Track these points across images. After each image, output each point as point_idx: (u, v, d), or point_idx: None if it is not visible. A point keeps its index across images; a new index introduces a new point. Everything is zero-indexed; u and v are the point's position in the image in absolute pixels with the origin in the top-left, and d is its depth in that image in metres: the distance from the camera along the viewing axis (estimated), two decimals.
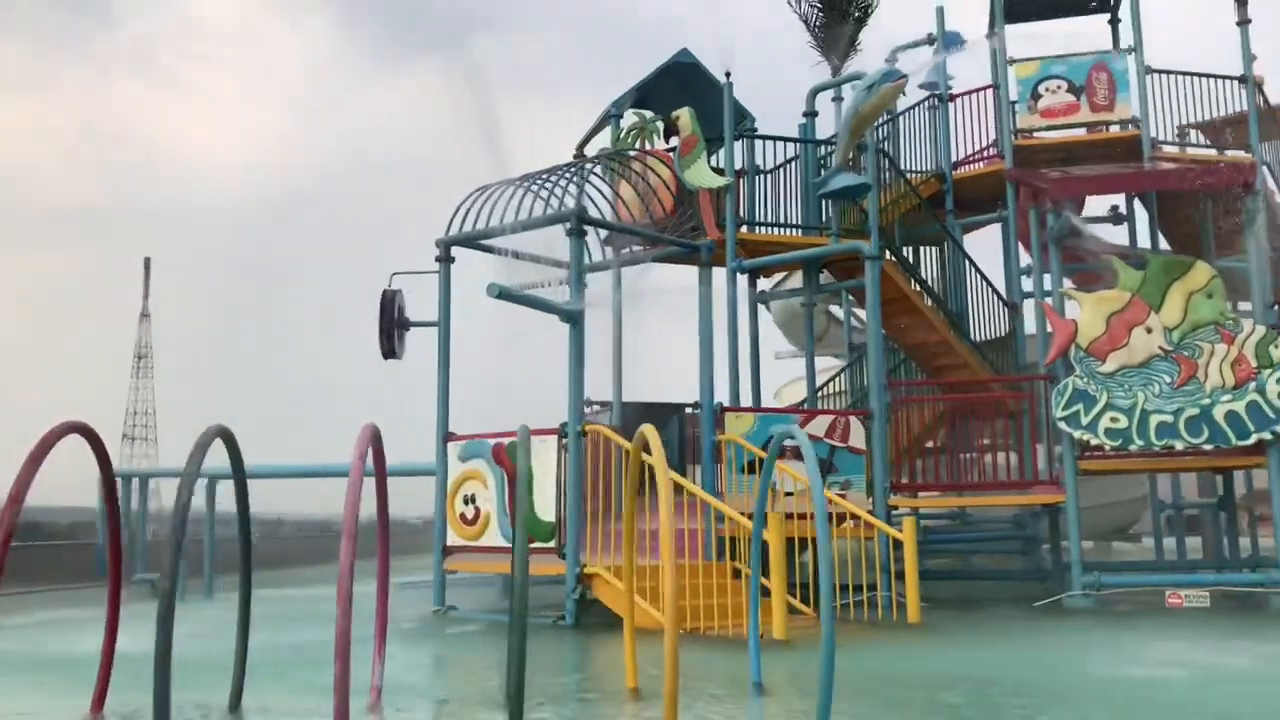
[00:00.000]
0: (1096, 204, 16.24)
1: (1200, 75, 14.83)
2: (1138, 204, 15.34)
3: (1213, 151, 14.84)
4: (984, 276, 13.85)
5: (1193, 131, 14.64)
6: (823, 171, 12.15)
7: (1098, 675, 5.87)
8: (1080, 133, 14.57)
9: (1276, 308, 10.54)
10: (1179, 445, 9.59)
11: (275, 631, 7.45)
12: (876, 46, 16.30)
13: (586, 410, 13.72)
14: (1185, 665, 6.30)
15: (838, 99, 14.90)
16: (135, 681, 4.21)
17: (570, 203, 9.13)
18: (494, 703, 5.00)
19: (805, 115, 13.00)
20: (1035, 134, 14.71)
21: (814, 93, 13.23)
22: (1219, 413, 9.51)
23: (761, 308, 15.29)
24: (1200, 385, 9.59)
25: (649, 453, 4.36)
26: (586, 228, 9.10)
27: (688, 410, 13.79)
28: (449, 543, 9.56)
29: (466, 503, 9.40)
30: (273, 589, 12.98)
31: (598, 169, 10.19)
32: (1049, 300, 10.27)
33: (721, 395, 12.21)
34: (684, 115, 11.92)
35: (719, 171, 11.71)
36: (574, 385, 8.87)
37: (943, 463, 11.33)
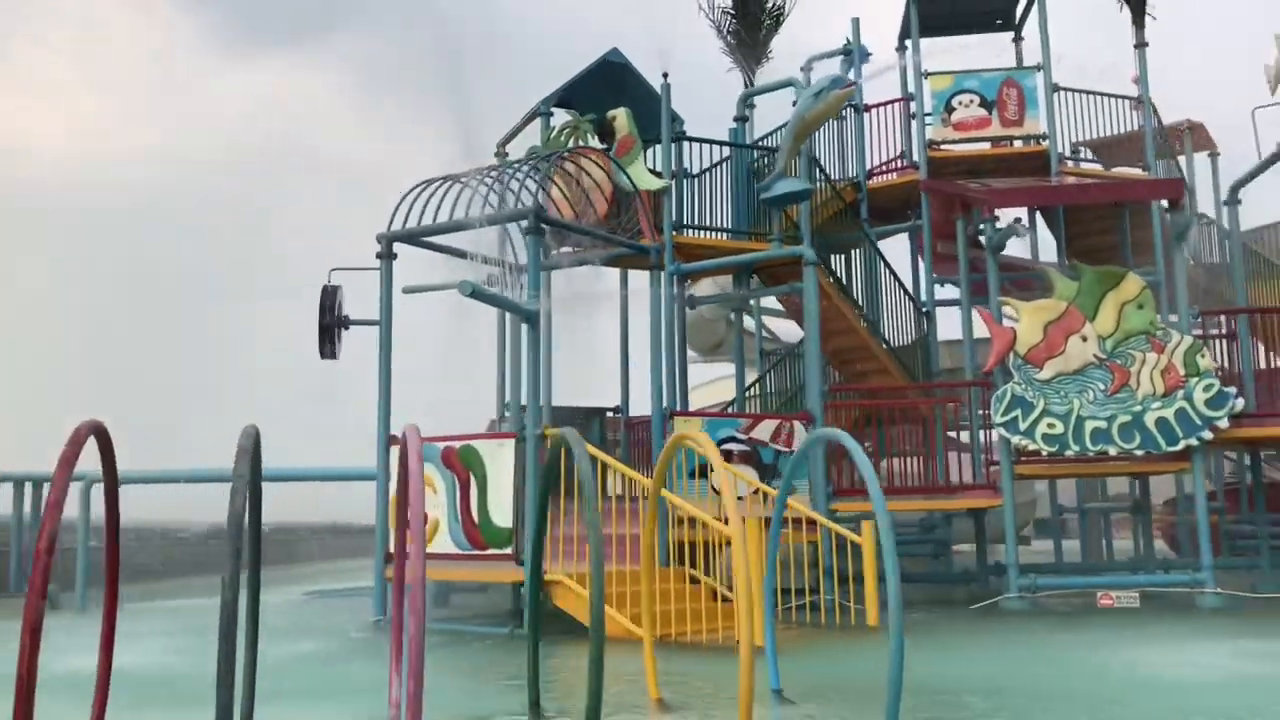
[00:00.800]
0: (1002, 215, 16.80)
1: (1102, 95, 15.48)
2: (1040, 217, 15.90)
3: (1121, 168, 15.51)
4: (900, 283, 14.13)
5: (1082, 149, 15.24)
6: (756, 177, 12.20)
7: (1113, 680, 5.94)
8: (989, 146, 15.02)
9: (1194, 318, 10.97)
10: (1112, 451, 9.89)
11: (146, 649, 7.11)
12: (788, 54, 16.36)
13: (508, 415, 13.54)
14: (1197, 665, 6.45)
15: (751, 105, 14.99)
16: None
17: (528, 200, 8.89)
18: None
19: (736, 120, 13.02)
20: (945, 146, 15.06)
21: (745, 98, 13.26)
22: (1150, 419, 9.85)
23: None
24: (1132, 393, 9.92)
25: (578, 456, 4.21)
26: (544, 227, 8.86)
27: (608, 414, 13.70)
28: (393, 549, 9.17)
29: None
30: (164, 600, 12.37)
31: (542, 167, 9.92)
32: (987, 308, 10.47)
33: (640, 400, 12.20)
34: (621, 116, 11.79)
35: (655, 174, 11.62)
36: (532, 387, 8.63)
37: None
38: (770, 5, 17.52)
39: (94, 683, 3.79)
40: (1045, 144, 14.61)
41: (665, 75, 11.96)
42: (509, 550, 8.48)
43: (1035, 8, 15.27)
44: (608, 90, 13.07)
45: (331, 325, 9.71)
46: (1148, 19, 15.00)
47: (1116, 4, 15.28)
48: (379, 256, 9.51)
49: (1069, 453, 9.95)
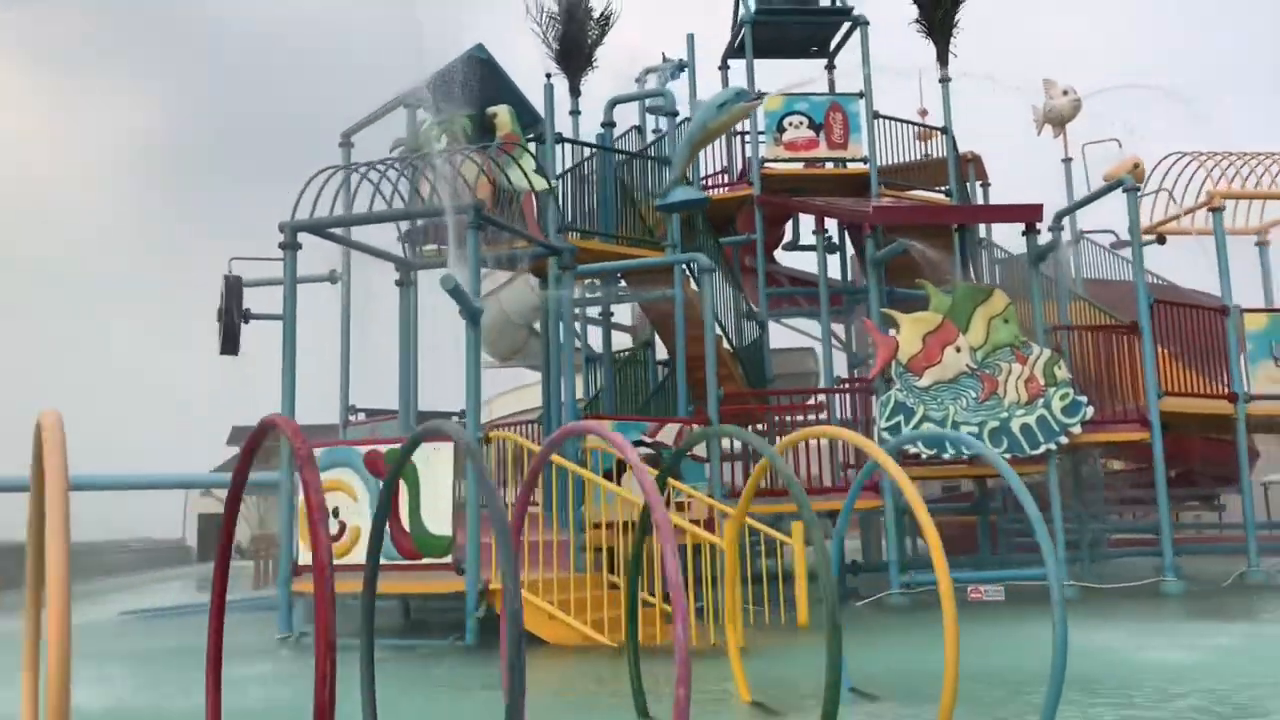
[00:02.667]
0: (808, 234, 17.66)
1: (912, 124, 16.60)
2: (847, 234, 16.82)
3: (917, 191, 16.65)
4: (742, 293, 14.56)
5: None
6: (623, 180, 12.28)
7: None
8: (817, 165, 15.73)
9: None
10: (947, 455, 10.65)
11: None
12: (615, 64, 16.56)
13: (352, 419, 12.92)
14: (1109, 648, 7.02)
15: (575, 112, 15.02)
16: None
17: (465, 196, 8.56)
18: None
19: (604, 125, 13.02)
20: (773, 164, 15.66)
21: (612, 104, 13.29)
22: (1015, 425, 10.66)
23: None
24: (1000, 400, 10.70)
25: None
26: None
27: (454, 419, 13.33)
28: (300, 561, 8.57)
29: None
30: None
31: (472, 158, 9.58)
32: (870, 319, 11.00)
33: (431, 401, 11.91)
34: (503, 113, 11.55)
35: (539, 174, 11.44)
36: (471, 387, 8.31)
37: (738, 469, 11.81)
38: (599, 15, 17.66)
39: None
40: (866, 166, 15.49)
41: (549, 76, 11.83)
42: (448, 559, 8.10)
43: (859, 40, 16.08)
44: (473, 87, 12.76)
45: (234, 319, 8.94)
46: (951, 56, 16.22)
47: (924, 40, 16.44)
48: (282, 246, 8.88)
49: (946, 456, 10.61)
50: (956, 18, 16.51)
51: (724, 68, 17.49)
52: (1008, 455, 10.61)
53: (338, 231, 9.27)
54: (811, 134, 15.73)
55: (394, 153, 12.28)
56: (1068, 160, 18.36)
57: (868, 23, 16.00)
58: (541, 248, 9.80)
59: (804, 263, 19.00)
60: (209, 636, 3.74)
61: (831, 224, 17.10)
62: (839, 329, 21.55)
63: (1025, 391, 10.73)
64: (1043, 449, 10.65)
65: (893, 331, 10.77)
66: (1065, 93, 18.00)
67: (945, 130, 16.00)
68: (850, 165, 15.57)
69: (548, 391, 13.75)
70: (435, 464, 8.23)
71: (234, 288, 9.12)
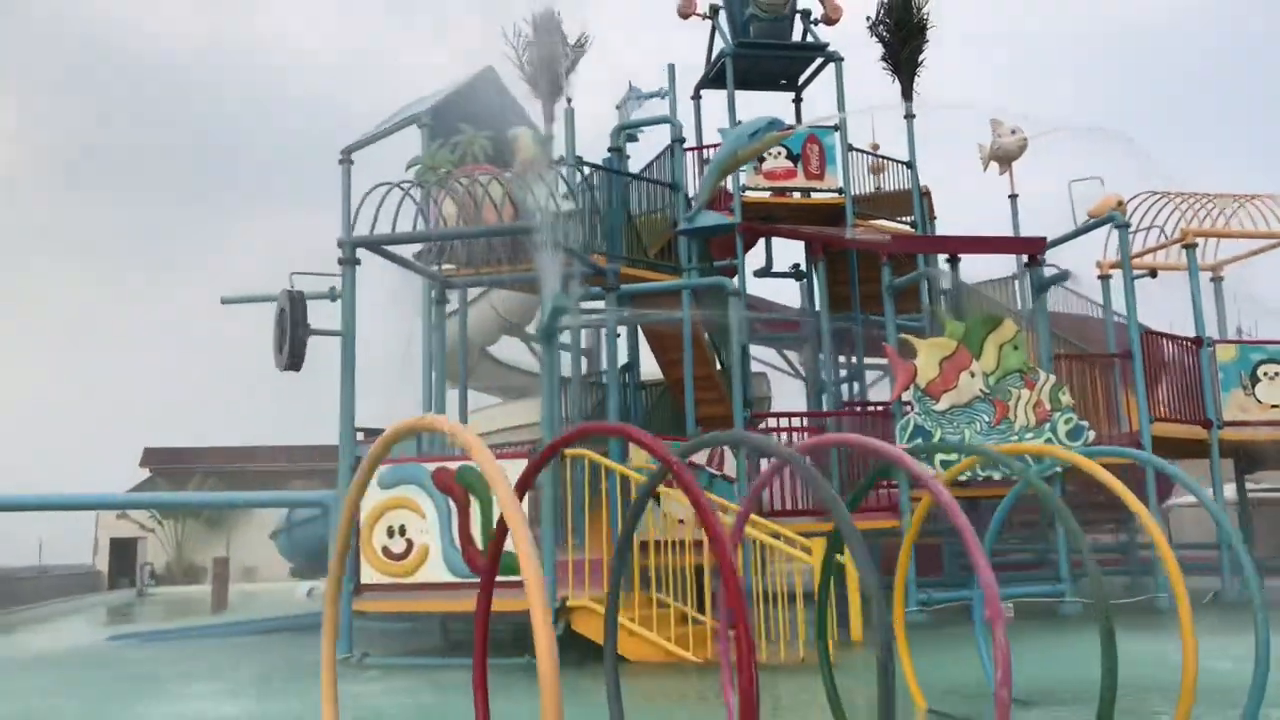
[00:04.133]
0: (780, 261, 18.10)
1: (885, 158, 17.17)
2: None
3: (881, 221, 17.22)
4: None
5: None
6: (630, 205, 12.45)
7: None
8: (796, 196, 16.14)
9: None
10: (997, 476, 11.06)
11: None
12: (589, 87, 16.78)
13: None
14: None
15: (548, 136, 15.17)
16: None
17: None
18: None
19: (611, 150, 13.17)
20: (751, 193, 16.01)
21: (619, 130, 13.44)
22: (1025, 448, 11.10)
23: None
24: (1011, 424, 11.16)
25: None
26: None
27: None
28: (364, 580, 8.46)
29: (391, 535, 8.40)
30: None
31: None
32: (889, 344, 11.35)
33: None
34: (524, 136, 11.59)
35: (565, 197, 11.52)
36: (548, 403, 8.34)
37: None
38: (575, 41, 17.86)
39: None
40: (841, 196, 15.95)
41: (570, 100, 11.93)
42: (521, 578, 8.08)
43: (830, 75, 16.57)
44: (479, 108, 12.81)
45: (300, 335, 8.77)
46: (915, 94, 16.86)
47: (889, 79, 17.06)
48: (341, 262, 8.80)
49: (962, 477, 11.00)
50: (921, 57, 17.19)
51: (696, 97, 17.83)
52: (1015, 478, 11.07)
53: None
54: (790, 164, 16.10)
55: (408, 172, 12.23)
56: (1014, 197, 19.18)
57: (842, 59, 16.49)
58: (590, 269, 9.87)
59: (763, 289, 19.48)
60: (475, 655, 3.80)
61: (799, 252, 17.59)
62: (793, 356, 22.14)
63: (1034, 416, 11.20)
64: (1050, 471, 11.12)
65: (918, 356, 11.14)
66: (1013, 131, 18.79)
67: (910, 164, 16.59)
68: (824, 195, 16.03)
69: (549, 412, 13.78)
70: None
71: (298, 303, 8.98)
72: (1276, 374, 12.96)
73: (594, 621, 8.09)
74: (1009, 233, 18.31)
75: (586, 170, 12.10)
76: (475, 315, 19.19)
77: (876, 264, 15.59)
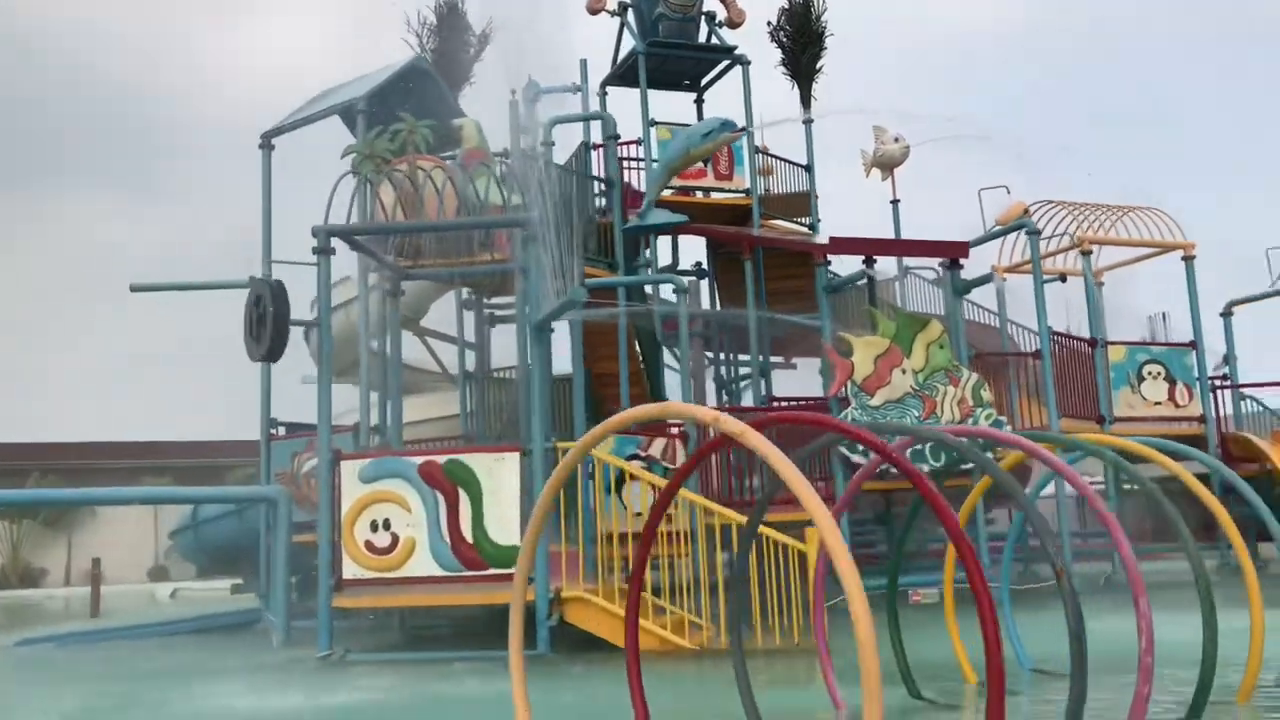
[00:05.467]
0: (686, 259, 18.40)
1: (789, 162, 17.68)
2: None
3: (778, 222, 17.75)
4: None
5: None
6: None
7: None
8: (701, 195, 16.46)
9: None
10: (925, 468, 11.60)
11: None
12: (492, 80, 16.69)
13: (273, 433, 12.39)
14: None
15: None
16: None
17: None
18: None
19: (543, 145, 13.15)
20: (664, 191, 16.26)
21: (553, 124, 13.43)
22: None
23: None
24: (938, 419, 11.73)
25: None
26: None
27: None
28: (346, 575, 8.30)
29: (375, 529, 8.28)
30: None
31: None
32: (828, 343, 11.76)
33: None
34: (468, 126, 11.54)
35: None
36: (540, 399, 8.37)
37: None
38: (482, 31, 17.77)
39: None
40: (748, 197, 16.37)
41: (513, 92, 11.89)
42: (512, 570, 8.10)
43: (735, 78, 16.97)
44: (409, 98, 12.65)
45: (283, 324, 8.48)
46: (813, 100, 17.50)
47: (789, 84, 17.64)
48: (316, 251, 8.60)
49: (895, 470, 11.49)
50: (819, 64, 17.80)
51: (602, 94, 17.94)
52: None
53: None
54: (701, 165, 16.42)
55: (343, 158, 11.96)
56: (895, 202, 20.03)
57: (749, 62, 16.90)
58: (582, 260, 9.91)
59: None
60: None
61: (701, 251, 17.95)
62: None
63: (958, 411, 11.81)
64: (971, 465, 11.73)
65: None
66: (896, 139, 19.63)
67: (809, 168, 17.14)
68: (732, 196, 16.41)
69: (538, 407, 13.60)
70: (499, 474, 8.24)
71: (279, 292, 8.68)
72: (1158, 373, 14.00)
73: (588, 612, 8.18)
74: (890, 236, 19.20)
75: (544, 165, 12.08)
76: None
77: (786, 264, 16.17)
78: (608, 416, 9.95)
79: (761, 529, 9.71)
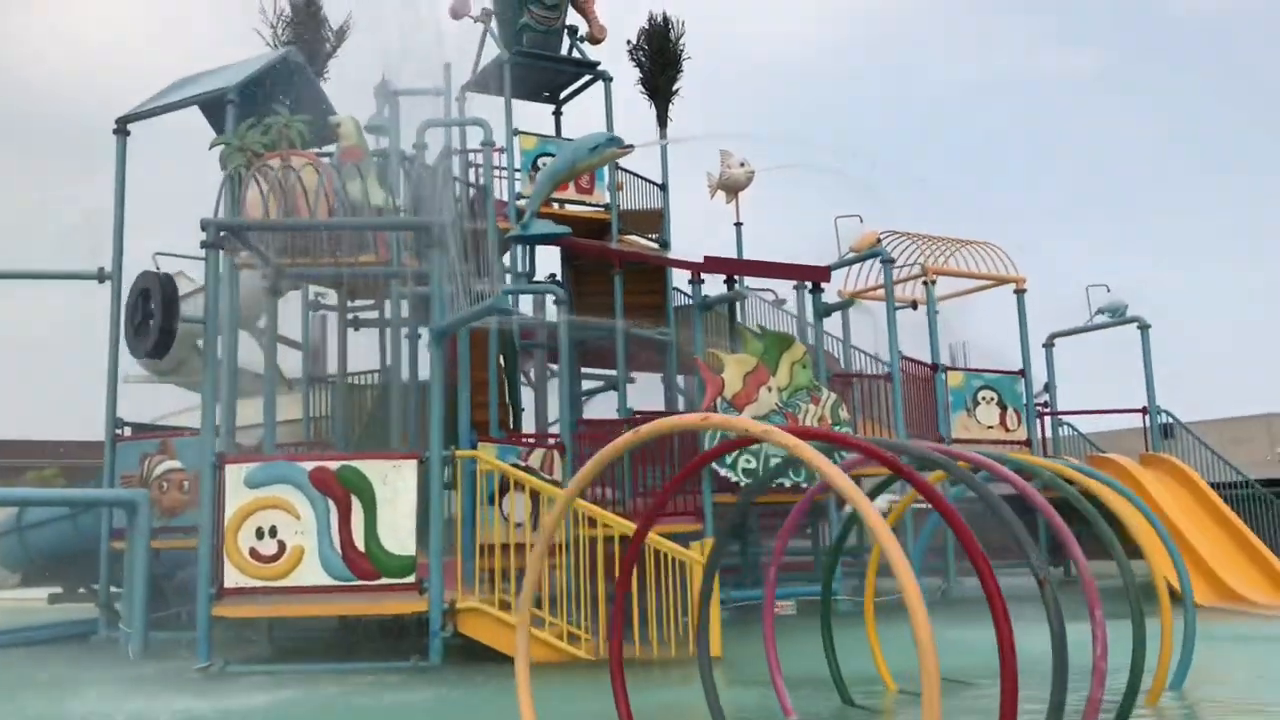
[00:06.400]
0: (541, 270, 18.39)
1: (645, 179, 17.94)
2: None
3: (633, 237, 17.99)
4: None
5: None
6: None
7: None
8: (558, 207, 16.51)
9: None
10: (787, 483, 12.00)
11: None
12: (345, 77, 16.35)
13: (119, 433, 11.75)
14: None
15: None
16: None
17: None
18: None
19: (414, 147, 12.91)
20: (523, 201, 16.25)
21: (424, 127, 13.20)
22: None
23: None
24: None
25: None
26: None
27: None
28: (229, 584, 7.97)
29: (261, 536, 7.99)
30: None
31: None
32: (700, 358, 12.00)
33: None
34: (347, 123, 11.25)
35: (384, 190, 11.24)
36: (436, 407, 8.25)
37: None
38: (339, 28, 17.33)
39: None
40: (607, 212, 16.54)
41: (395, 93, 11.66)
42: (410, 580, 7.99)
43: (595, 92, 17.16)
44: (280, 91, 12.26)
45: (171, 320, 8.01)
46: (669, 120, 17.89)
47: (646, 101, 17.96)
48: (205, 245, 8.24)
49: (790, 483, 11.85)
50: (676, 86, 18.16)
51: (461, 99, 17.75)
52: (805, 485, 12.09)
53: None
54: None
55: (210, 150, 11.47)
56: (739, 225, 20.58)
57: (611, 78, 17.09)
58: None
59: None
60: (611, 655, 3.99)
61: (554, 263, 17.99)
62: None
63: (818, 428, 12.25)
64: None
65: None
66: (742, 164, 20.22)
67: (664, 186, 17.46)
68: (593, 209, 16.54)
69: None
70: (394, 482, 8.09)
71: (168, 285, 8.21)
72: (992, 399, 14.90)
73: (482, 623, 8.11)
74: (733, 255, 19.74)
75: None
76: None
77: (639, 280, 16.40)
78: (474, 425, 9.81)
79: (650, 538, 9.85)
